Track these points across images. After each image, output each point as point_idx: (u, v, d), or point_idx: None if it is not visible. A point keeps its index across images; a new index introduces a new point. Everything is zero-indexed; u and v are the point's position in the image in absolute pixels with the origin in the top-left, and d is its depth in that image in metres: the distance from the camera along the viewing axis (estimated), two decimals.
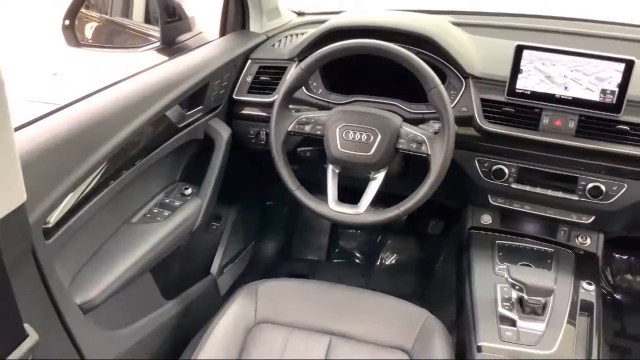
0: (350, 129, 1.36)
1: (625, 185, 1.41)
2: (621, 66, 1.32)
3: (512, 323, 1.27)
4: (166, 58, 1.55)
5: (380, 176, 1.39)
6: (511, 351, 1.20)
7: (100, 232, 1.24)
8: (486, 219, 1.64)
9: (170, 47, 1.67)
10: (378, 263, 2.36)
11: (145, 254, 1.28)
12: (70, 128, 1.08)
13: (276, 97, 1.41)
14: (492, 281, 1.40)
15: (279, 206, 2.26)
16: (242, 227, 2.03)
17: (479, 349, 1.22)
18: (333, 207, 1.37)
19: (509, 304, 1.32)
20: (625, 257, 2.24)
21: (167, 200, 1.46)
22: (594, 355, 1.23)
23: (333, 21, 1.57)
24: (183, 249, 1.56)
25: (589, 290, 1.39)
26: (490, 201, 1.58)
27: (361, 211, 1.36)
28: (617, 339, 1.99)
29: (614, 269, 2.24)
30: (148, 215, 1.39)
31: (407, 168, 1.62)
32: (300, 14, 1.99)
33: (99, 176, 1.16)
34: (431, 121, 1.46)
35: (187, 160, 1.57)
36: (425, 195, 1.32)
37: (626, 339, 1.99)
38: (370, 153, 1.34)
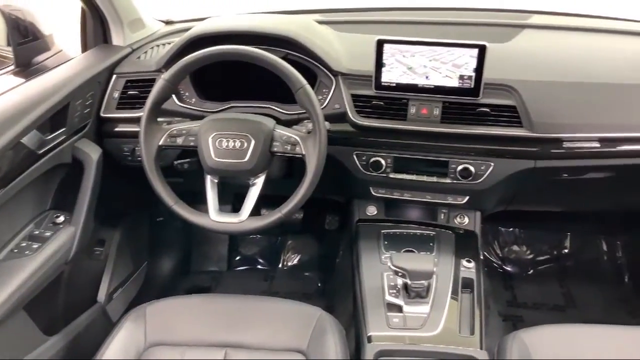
0: (223, 137, 1.34)
1: (492, 164, 1.49)
2: (475, 52, 1.39)
3: (399, 309, 1.31)
4: (22, 81, 1.45)
5: (259, 181, 1.38)
6: (399, 337, 1.24)
7: None
8: (371, 210, 1.68)
9: (27, 69, 1.56)
10: (280, 265, 2.36)
11: (14, 292, 1.20)
12: None
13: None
14: (379, 270, 1.44)
15: (171, 221, 2.19)
16: (131, 248, 1.95)
17: (369, 339, 1.25)
18: (214, 217, 1.35)
19: (395, 291, 1.36)
20: (510, 229, 2.38)
21: (37, 232, 1.37)
22: (477, 329, 1.29)
23: (196, 29, 1.54)
24: (65, 279, 1.47)
25: (469, 267, 1.46)
26: (373, 193, 1.62)
27: (243, 218, 1.34)
28: (510, 308, 2.11)
29: (501, 242, 2.37)
30: (15, 250, 1.30)
31: (292, 169, 1.63)
32: (168, 22, 1.94)
33: None
34: (305, 121, 1.47)
35: (57, 186, 1.48)
36: (304, 196, 1.33)
37: (518, 307, 2.12)
38: (246, 159, 1.33)
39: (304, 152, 1.32)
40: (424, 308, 1.31)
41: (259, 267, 2.37)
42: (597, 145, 1.44)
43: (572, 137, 1.43)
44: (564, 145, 1.44)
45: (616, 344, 1.26)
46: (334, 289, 2.14)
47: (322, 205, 2.31)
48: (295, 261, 2.36)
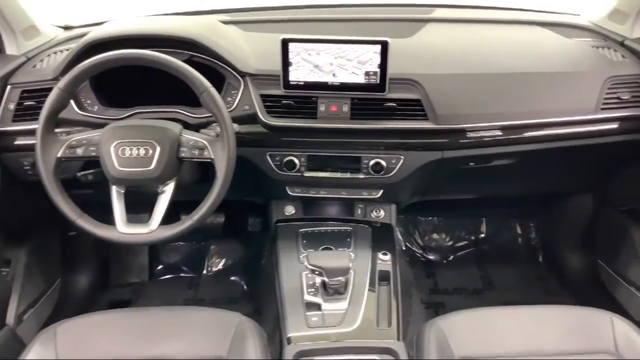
0: (125, 145, 1.28)
1: (402, 157, 1.52)
2: (377, 48, 1.41)
3: (318, 307, 1.31)
4: None
5: (169, 189, 1.33)
6: (317, 335, 1.24)
7: None
8: (289, 210, 1.68)
9: None
10: (205, 272, 2.32)
11: None
12: None
13: None
14: (298, 270, 1.44)
15: (85, 234, 2.10)
16: (41, 266, 1.85)
17: (289, 340, 1.25)
18: (122, 229, 1.30)
19: (313, 290, 1.36)
20: (429, 218, 2.45)
21: None
22: (394, 320, 1.32)
23: (93, 34, 1.47)
24: None
25: (385, 260, 1.49)
26: (289, 192, 1.62)
27: (153, 228, 1.30)
28: (432, 295, 2.16)
29: (421, 231, 2.43)
30: None
31: (206, 173, 1.59)
32: (67, 28, 1.84)
33: None
34: (214, 124, 1.44)
35: None
36: (216, 201, 1.30)
37: (439, 294, 2.18)
38: (152, 167, 1.28)
39: (212, 157, 1.30)
40: (342, 304, 1.32)
41: (183, 275, 2.31)
42: (499, 133, 1.50)
43: (475, 127, 1.48)
44: (468, 135, 1.49)
45: (525, 324, 1.32)
46: (260, 291, 2.12)
47: (243, 207, 2.28)
48: (220, 266, 2.33)
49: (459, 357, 1.24)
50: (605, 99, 1.52)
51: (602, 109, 1.52)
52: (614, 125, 1.54)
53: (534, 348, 1.26)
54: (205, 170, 1.58)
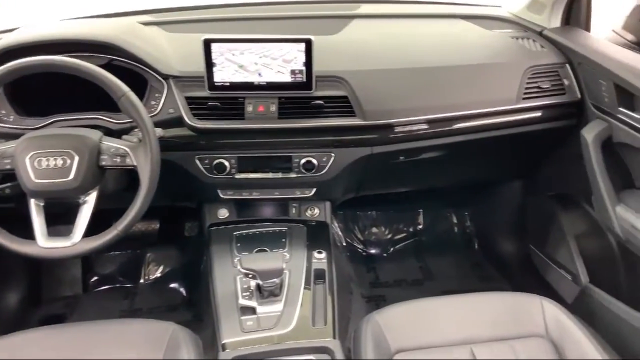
0: (41, 156, 1.22)
1: (333, 155, 1.52)
2: (302, 46, 1.40)
3: (253, 311, 1.29)
4: None
5: (91, 199, 1.28)
6: (252, 340, 1.23)
7: None
8: (223, 213, 1.65)
9: None
10: (142, 280, 2.25)
11: None
12: None
13: None
14: (232, 274, 1.41)
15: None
16: None
17: (223, 347, 1.22)
18: (43, 244, 1.23)
19: (248, 293, 1.34)
20: (368, 213, 2.47)
21: None
22: (329, 319, 1.31)
23: (4, 41, 1.40)
24: None
25: (320, 258, 1.48)
26: (221, 195, 1.59)
27: (76, 240, 1.24)
28: (373, 289, 2.18)
29: (360, 226, 2.45)
30: None
31: (133, 180, 1.54)
32: None
33: None
34: (136, 129, 1.40)
35: None
36: (141, 209, 1.26)
37: (380, 287, 2.20)
38: (70, 177, 1.23)
39: (135, 163, 1.25)
40: (277, 306, 1.31)
41: (119, 285, 2.24)
42: (426, 127, 1.52)
43: (402, 121, 1.49)
44: (395, 130, 1.50)
45: (459, 312, 1.34)
46: (199, 297, 2.08)
47: (178, 212, 2.23)
48: (157, 274, 2.26)
49: (395, 350, 1.25)
50: (526, 88, 1.57)
51: (524, 98, 1.56)
52: (536, 114, 1.59)
53: (468, 335, 1.29)
54: (132, 177, 1.53)
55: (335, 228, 2.34)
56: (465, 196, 2.43)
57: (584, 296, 1.67)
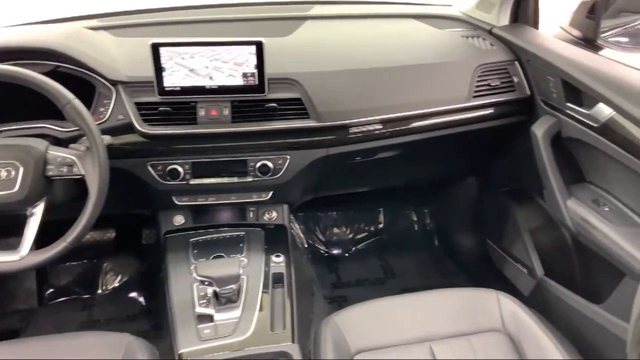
0: None
1: (288, 157, 1.51)
2: (252, 48, 1.38)
3: (210, 319, 1.27)
4: None
5: (38, 210, 1.24)
6: (209, 348, 1.21)
7: None
8: (178, 220, 1.62)
9: None
10: (100, 291, 2.20)
11: None
12: None
13: None
14: (189, 282, 1.39)
15: None
16: None
17: (180, 357, 1.20)
18: None
19: (205, 301, 1.32)
20: (329, 213, 2.47)
21: None
22: (288, 323, 1.30)
23: None
24: None
25: (278, 262, 1.47)
26: (176, 202, 1.56)
27: (24, 254, 1.20)
28: (335, 290, 2.18)
29: (322, 227, 2.44)
30: None
31: (84, 189, 1.50)
32: None
33: None
34: (84, 137, 1.36)
35: None
36: (90, 219, 1.22)
37: (342, 288, 2.20)
38: (16, 189, 1.19)
39: (83, 173, 1.22)
40: (235, 313, 1.29)
41: (76, 296, 2.18)
42: (380, 127, 1.52)
43: (356, 122, 1.49)
44: (350, 131, 1.50)
45: (417, 310, 1.35)
46: (159, 306, 2.04)
47: (135, 220, 2.18)
48: (115, 284, 2.21)
49: (355, 350, 1.25)
50: (477, 86, 1.59)
51: (475, 96, 1.58)
52: (487, 111, 1.61)
53: (426, 333, 1.30)
54: (82, 187, 1.49)
55: (297, 230, 2.33)
56: (425, 194, 2.45)
57: (539, 289, 1.70)
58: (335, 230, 2.46)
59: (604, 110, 1.37)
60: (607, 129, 1.36)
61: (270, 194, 1.58)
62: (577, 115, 1.45)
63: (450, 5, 2.00)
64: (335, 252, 2.42)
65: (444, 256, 2.38)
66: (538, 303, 1.63)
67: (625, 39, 1.65)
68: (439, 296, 1.41)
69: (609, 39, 1.60)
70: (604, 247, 1.35)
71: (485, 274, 2.08)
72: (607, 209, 1.41)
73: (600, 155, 1.40)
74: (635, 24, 1.66)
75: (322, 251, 2.42)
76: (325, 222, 2.45)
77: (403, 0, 2.07)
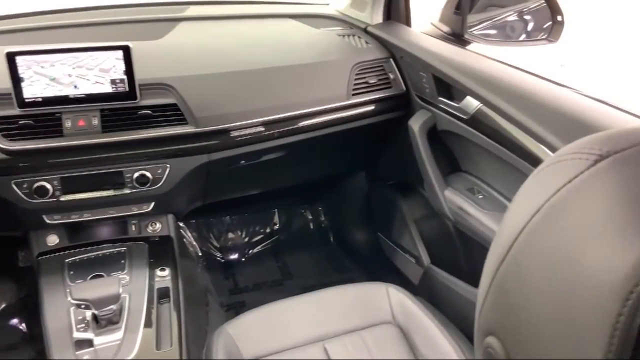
0: None
1: (168, 166, 1.44)
2: (119, 53, 1.31)
3: (90, 344, 1.19)
4: None
5: None
6: None
7: None
8: (52, 240, 1.50)
9: None
10: None
11: None
12: None
13: None
14: (65, 307, 1.29)
15: None
16: None
17: None
18: None
19: (84, 325, 1.23)
20: (222, 218, 2.41)
21: None
22: (175, 339, 1.25)
23: None
24: None
25: (163, 276, 1.41)
26: (47, 221, 1.45)
27: None
28: (232, 296, 2.13)
29: (215, 233, 2.38)
30: None
31: None
32: None
33: None
34: None
35: None
36: None
37: (240, 294, 2.16)
38: None
39: None
40: (116, 335, 1.22)
41: None
42: (262, 129, 1.50)
43: (237, 125, 1.46)
44: (231, 135, 1.46)
45: (310, 310, 1.35)
46: (41, 332, 1.89)
47: (8, 241, 2.01)
48: None
49: (249, 358, 1.23)
50: (355, 84, 1.62)
51: (353, 94, 1.61)
52: (367, 108, 1.64)
53: (320, 332, 1.30)
54: None
55: (189, 238, 2.26)
56: (318, 191, 2.46)
57: (427, 277, 1.77)
58: (230, 235, 2.41)
59: (472, 103, 1.44)
60: (475, 120, 1.43)
61: (152, 204, 1.51)
62: (448, 109, 1.51)
63: (327, 4, 2.01)
64: (231, 257, 2.37)
65: (339, 252, 2.41)
66: (426, 291, 1.69)
67: (491, 32, 1.74)
68: (331, 294, 1.41)
69: (476, 33, 1.69)
70: (479, 233, 1.42)
71: (379, 266, 2.12)
72: (481, 196, 1.49)
73: (472, 146, 1.47)
74: (501, 17, 1.76)
75: (218, 258, 2.36)
76: (219, 227, 2.40)
77: (280, 0, 2.06)
